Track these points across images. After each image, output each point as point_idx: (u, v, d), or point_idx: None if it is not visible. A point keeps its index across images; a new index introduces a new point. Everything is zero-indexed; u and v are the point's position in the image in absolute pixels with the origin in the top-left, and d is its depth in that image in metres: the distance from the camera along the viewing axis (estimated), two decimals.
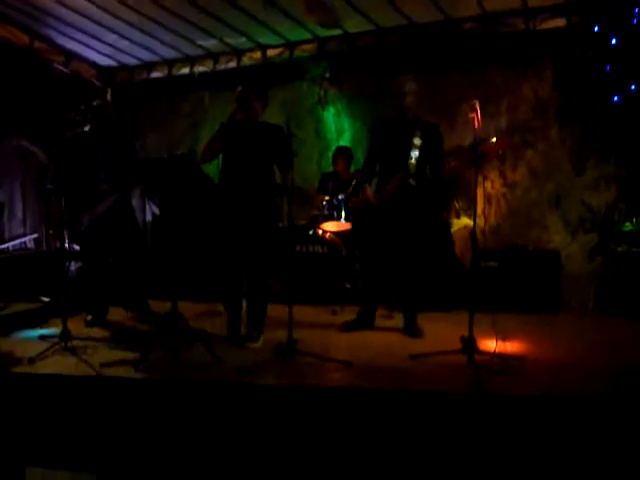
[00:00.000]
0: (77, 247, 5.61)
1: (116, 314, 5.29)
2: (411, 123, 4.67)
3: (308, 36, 6.64)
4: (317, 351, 4.04)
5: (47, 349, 4.10)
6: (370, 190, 4.81)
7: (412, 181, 4.59)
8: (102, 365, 3.88)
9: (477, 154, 4.00)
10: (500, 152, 5.82)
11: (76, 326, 4.62)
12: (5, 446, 3.50)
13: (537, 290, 5.59)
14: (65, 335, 4.21)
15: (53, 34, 6.57)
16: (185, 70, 7.45)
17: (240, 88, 4.39)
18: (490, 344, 3.94)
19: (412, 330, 4.71)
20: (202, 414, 3.41)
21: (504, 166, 6.43)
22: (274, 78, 6.71)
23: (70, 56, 7.12)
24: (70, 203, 4.95)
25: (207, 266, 5.76)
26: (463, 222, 6.37)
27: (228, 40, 6.76)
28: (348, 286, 5.81)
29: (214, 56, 7.23)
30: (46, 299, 5.52)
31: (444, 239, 5.99)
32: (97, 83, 7.70)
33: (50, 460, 3.43)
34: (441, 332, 4.61)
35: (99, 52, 7.17)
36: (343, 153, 6.31)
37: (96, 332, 4.85)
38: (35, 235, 7.38)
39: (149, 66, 7.59)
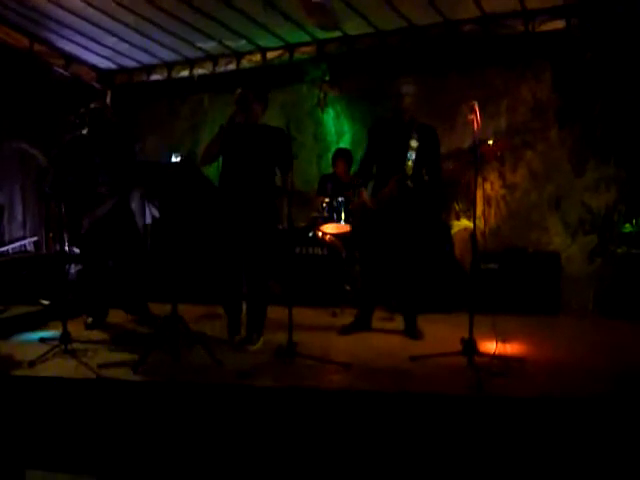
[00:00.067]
0: (77, 250, 5.61)
1: (116, 317, 5.29)
2: (408, 125, 4.68)
3: (308, 38, 6.64)
4: (317, 353, 4.04)
5: (47, 352, 4.10)
6: (366, 194, 4.80)
7: (410, 183, 4.59)
8: (102, 367, 3.88)
9: (476, 156, 4.01)
10: (498, 154, 5.82)
11: (76, 329, 4.62)
12: (5, 449, 3.49)
13: (537, 292, 5.59)
14: (65, 338, 4.21)
15: (53, 37, 6.57)
16: (185, 73, 7.45)
17: (240, 90, 4.39)
18: (490, 346, 3.94)
19: (412, 332, 4.71)
20: (202, 417, 3.41)
21: (504, 168, 6.43)
22: (274, 80, 6.71)
23: (70, 59, 7.12)
24: (70, 206, 4.95)
25: (207, 268, 5.76)
26: (463, 224, 6.36)
27: (228, 42, 6.77)
28: (348, 288, 5.81)
29: (213, 58, 7.22)
30: (46, 302, 5.52)
31: (444, 241, 5.99)
32: (97, 86, 7.70)
33: (50, 463, 3.42)
34: (441, 334, 4.61)
35: (98, 55, 7.17)
36: (343, 155, 6.31)
37: (96, 335, 4.86)
38: (35, 238, 7.38)
39: (149, 69, 7.59)
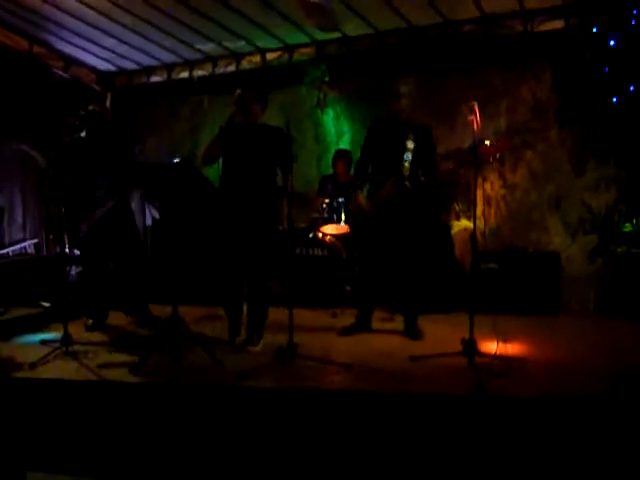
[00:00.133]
0: (77, 252, 5.61)
1: (116, 318, 5.29)
2: (404, 126, 4.69)
3: (307, 39, 6.65)
4: (317, 354, 4.04)
5: (48, 354, 4.11)
6: (362, 196, 4.79)
7: (408, 184, 4.60)
8: (103, 369, 3.89)
9: (476, 156, 4.01)
10: (497, 156, 5.82)
11: (77, 331, 4.63)
12: (6, 451, 3.49)
13: (537, 292, 5.59)
14: (66, 340, 4.22)
15: (52, 39, 6.59)
16: (184, 74, 7.46)
17: (239, 91, 4.40)
18: (491, 346, 3.94)
19: (412, 332, 4.71)
20: (203, 418, 3.41)
21: (504, 168, 6.43)
22: (273, 82, 6.71)
23: (69, 61, 7.13)
24: (69, 209, 4.96)
25: (207, 269, 5.77)
26: (463, 224, 6.36)
27: (227, 44, 6.77)
28: (348, 289, 5.81)
29: (213, 60, 7.24)
30: (46, 304, 5.53)
31: (444, 241, 6.00)
32: (97, 88, 7.71)
33: (51, 465, 3.43)
34: (441, 334, 4.61)
35: (98, 57, 7.18)
36: (343, 156, 6.32)
37: (97, 337, 4.86)
38: (35, 240, 7.39)
39: (148, 70, 7.60)
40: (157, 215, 6.78)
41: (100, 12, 5.88)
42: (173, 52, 7.04)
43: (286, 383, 3.63)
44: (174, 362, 4.00)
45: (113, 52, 7.02)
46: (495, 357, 3.83)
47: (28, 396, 3.68)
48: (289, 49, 6.85)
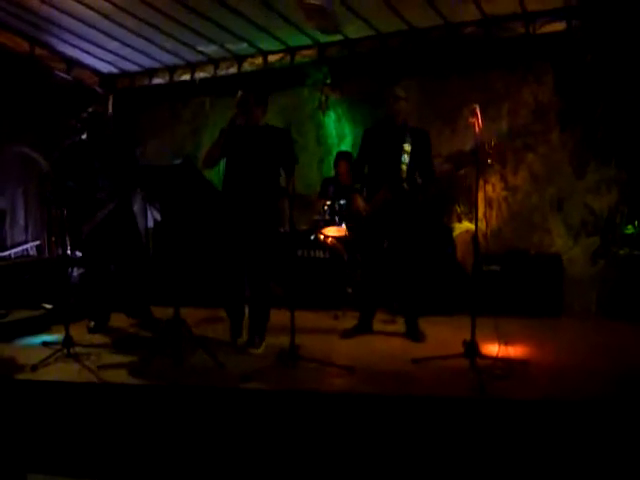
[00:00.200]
0: (79, 254, 5.61)
1: (118, 320, 5.29)
2: (401, 128, 4.70)
3: (309, 42, 6.65)
4: (319, 356, 4.04)
5: (50, 356, 4.11)
6: (360, 199, 4.78)
7: (405, 186, 4.61)
8: (104, 371, 3.89)
9: (478, 158, 4.01)
10: (493, 160, 5.80)
11: (79, 333, 4.64)
12: (7, 453, 3.49)
13: (539, 294, 5.58)
14: (68, 342, 4.22)
15: (54, 41, 6.59)
16: (186, 76, 7.46)
17: (240, 93, 4.41)
18: (492, 348, 3.94)
19: (414, 334, 4.71)
20: (205, 420, 3.41)
21: (505, 170, 6.43)
22: (275, 84, 6.71)
23: (71, 63, 7.14)
24: (71, 211, 4.96)
25: (209, 271, 5.77)
26: (465, 226, 6.36)
27: (229, 46, 6.78)
28: (350, 291, 5.81)
29: (215, 62, 7.24)
30: (48, 306, 5.53)
31: (446, 243, 6.00)
32: (99, 90, 7.72)
33: (52, 467, 3.42)
34: (443, 336, 4.61)
35: (100, 59, 7.19)
36: (344, 158, 6.31)
37: (99, 339, 4.87)
38: (37, 242, 7.40)
39: (150, 72, 7.60)
40: (159, 217, 6.78)
41: (102, 14, 5.88)
42: (175, 54, 7.05)
43: (288, 385, 3.63)
44: (176, 364, 4.00)
45: (115, 54, 7.03)
46: (497, 359, 3.82)
47: (29, 398, 3.69)
48: (291, 51, 6.86)
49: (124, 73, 7.68)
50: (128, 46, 6.77)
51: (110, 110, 7.79)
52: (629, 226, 5.70)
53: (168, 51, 6.94)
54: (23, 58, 6.49)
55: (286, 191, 4.45)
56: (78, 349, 4.26)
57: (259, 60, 7.04)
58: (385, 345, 4.59)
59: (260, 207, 4.39)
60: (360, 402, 3.38)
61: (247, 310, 4.58)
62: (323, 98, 7.21)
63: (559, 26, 5.80)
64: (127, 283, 5.19)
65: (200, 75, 7.38)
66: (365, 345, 4.59)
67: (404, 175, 4.61)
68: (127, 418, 3.49)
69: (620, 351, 4.29)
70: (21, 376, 3.87)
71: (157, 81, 7.64)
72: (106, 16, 5.92)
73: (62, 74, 7.09)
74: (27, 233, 7.35)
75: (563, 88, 6.10)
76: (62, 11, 5.81)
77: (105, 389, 3.71)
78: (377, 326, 4.98)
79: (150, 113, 8.05)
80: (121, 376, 3.84)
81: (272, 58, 6.98)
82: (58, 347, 4.23)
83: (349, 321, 5.08)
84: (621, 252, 5.59)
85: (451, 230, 6.29)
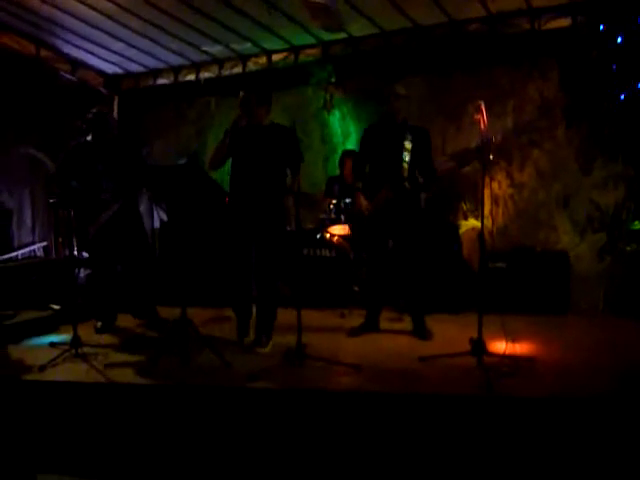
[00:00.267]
0: (86, 254, 5.64)
1: (125, 321, 5.31)
2: (401, 126, 4.69)
3: (313, 40, 6.65)
4: (326, 355, 4.04)
5: (58, 356, 4.13)
6: (362, 199, 4.77)
7: (407, 184, 4.60)
8: (112, 371, 3.90)
9: (484, 156, 4.00)
10: (495, 155, 5.78)
11: (86, 333, 4.65)
12: (17, 453, 3.51)
13: (546, 291, 5.56)
14: (75, 342, 4.24)
15: (59, 43, 6.61)
16: (191, 76, 7.47)
17: (242, 94, 4.41)
18: (499, 346, 3.93)
19: (421, 332, 4.71)
20: (212, 420, 3.42)
21: (511, 167, 6.41)
22: (279, 83, 6.71)
23: (76, 64, 7.16)
24: (78, 212, 4.98)
25: (216, 271, 5.78)
26: (471, 224, 6.35)
27: (233, 46, 6.78)
28: (356, 289, 5.81)
29: (219, 62, 7.25)
30: (56, 307, 5.55)
31: (452, 241, 5.99)
32: (104, 91, 7.74)
33: (61, 466, 3.44)
34: (450, 334, 4.60)
35: (105, 60, 7.20)
36: (350, 156, 6.29)
37: (106, 339, 4.89)
38: (44, 243, 7.42)
39: (155, 73, 7.62)
40: (165, 217, 6.79)
41: (106, 15, 5.89)
42: (180, 54, 7.06)
43: (295, 384, 3.63)
44: (183, 364, 4.01)
45: (120, 55, 7.04)
46: (504, 357, 3.82)
47: (38, 398, 3.70)
48: (295, 50, 6.86)
49: (129, 74, 7.70)
50: (133, 47, 6.78)
51: (115, 111, 7.81)
52: (636, 222, 5.67)
53: (173, 51, 6.95)
54: (29, 60, 6.51)
55: (289, 189, 4.45)
56: (86, 349, 4.28)
57: (263, 60, 7.04)
58: (392, 343, 4.59)
59: (267, 206, 4.40)
60: (367, 400, 3.38)
61: (254, 309, 4.58)
62: (328, 97, 7.20)
63: (564, 22, 5.78)
64: (133, 283, 5.21)
65: (205, 75, 7.39)
66: (372, 343, 4.59)
67: (405, 174, 4.61)
68: (135, 418, 3.51)
69: (627, 348, 4.27)
70: (29, 377, 3.90)
71: (162, 81, 7.65)
72: (110, 17, 5.94)
73: (67, 75, 7.12)
74: (34, 234, 7.38)
75: (569, 84, 6.07)
76: (66, 12, 5.82)
77: (113, 389, 3.72)
78: (384, 324, 4.98)
79: (155, 113, 8.06)
80: (128, 376, 3.86)
81: (276, 57, 6.98)
82: (66, 347, 4.25)
83: (355, 319, 5.08)
84: (628, 248, 5.56)
85: (457, 228, 6.28)
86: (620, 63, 5.56)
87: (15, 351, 4.56)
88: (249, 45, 6.77)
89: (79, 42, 6.60)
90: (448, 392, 3.42)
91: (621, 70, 5.57)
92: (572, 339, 4.63)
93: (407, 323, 4.93)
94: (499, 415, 3.18)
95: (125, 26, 6.17)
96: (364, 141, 4.89)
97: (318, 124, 7.32)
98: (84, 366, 4.06)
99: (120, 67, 7.49)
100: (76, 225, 5.10)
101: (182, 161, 4.25)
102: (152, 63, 7.36)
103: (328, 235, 5.92)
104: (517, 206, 6.42)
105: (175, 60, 7.26)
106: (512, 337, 3.94)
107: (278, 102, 5.04)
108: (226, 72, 7.27)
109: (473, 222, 6.35)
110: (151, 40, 6.57)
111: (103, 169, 4.91)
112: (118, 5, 5.67)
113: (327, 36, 6.45)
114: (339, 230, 5.83)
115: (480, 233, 4.24)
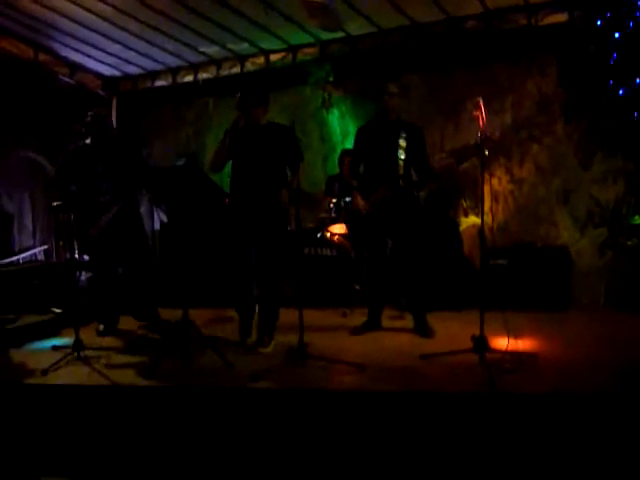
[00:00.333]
0: (87, 258, 5.64)
1: (127, 323, 5.31)
2: (395, 124, 4.70)
3: (310, 39, 6.65)
4: (328, 354, 4.04)
5: (60, 359, 4.13)
6: (360, 198, 4.77)
7: (401, 182, 4.60)
8: (114, 373, 3.90)
9: (484, 152, 4.00)
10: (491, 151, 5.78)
11: (88, 336, 4.65)
12: (20, 456, 3.51)
13: (547, 287, 5.55)
14: (77, 345, 4.24)
15: (57, 46, 6.62)
16: (189, 77, 7.47)
17: (239, 94, 4.41)
18: (501, 343, 3.92)
19: (423, 330, 4.70)
20: (215, 421, 3.41)
21: (510, 163, 6.41)
22: (277, 83, 6.71)
23: (74, 67, 7.16)
24: (78, 215, 4.98)
25: (218, 272, 5.78)
26: (471, 220, 6.35)
27: (230, 46, 6.79)
28: (357, 288, 5.81)
29: (217, 62, 7.25)
30: (57, 310, 5.55)
31: (452, 238, 5.98)
32: (102, 93, 7.74)
33: (64, 469, 3.44)
34: (452, 331, 4.60)
35: (103, 62, 7.21)
36: (349, 155, 6.30)
37: (108, 341, 4.88)
38: (45, 246, 7.43)
39: (153, 75, 7.62)
40: (165, 219, 6.80)
41: (103, 18, 5.90)
42: (177, 56, 7.06)
43: (297, 384, 3.63)
44: (185, 365, 4.01)
45: (117, 57, 7.04)
46: (506, 353, 3.81)
47: (40, 402, 3.70)
48: (293, 50, 6.85)
49: (127, 76, 7.70)
50: (130, 49, 6.79)
51: (114, 113, 7.81)
52: (636, 216, 5.67)
53: (170, 53, 6.95)
54: (28, 64, 6.53)
55: (288, 186, 4.44)
56: (88, 352, 4.28)
57: (261, 60, 7.04)
58: (394, 341, 4.59)
59: (267, 206, 4.39)
60: (370, 400, 3.37)
61: (257, 309, 4.59)
62: (326, 96, 7.21)
63: (561, 17, 5.78)
64: (135, 286, 5.20)
65: (203, 76, 7.39)
66: (374, 342, 4.58)
67: (401, 171, 4.61)
68: (138, 420, 3.50)
69: (629, 343, 4.27)
70: (31, 380, 3.90)
71: (160, 83, 7.65)
72: (107, 19, 5.95)
73: (65, 78, 7.12)
74: (35, 238, 7.39)
75: (567, 79, 6.07)
76: (65, 16, 5.83)
77: (115, 391, 3.72)
78: (385, 322, 4.98)
79: (154, 115, 8.07)
80: (131, 378, 3.86)
81: (274, 57, 6.98)
82: (68, 351, 4.24)
83: (357, 318, 5.08)
84: (629, 243, 5.56)
85: (457, 225, 6.27)
86: (618, 57, 5.55)
87: (17, 355, 4.56)
88: (246, 45, 6.77)
89: (77, 45, 6.61)
90: (451, 390, 3.41)
91: (619, 64, 5.56)
92: (574, 335, 4.62)
93: (409, 321, 4.92)
94: (502, 412, 3.18)
95: (122, 28, 6.17)
96: (358, 140, 4.89)
97: (317, 123, 7.32)
98: (86, 369, 4.06)
99: (118, 69, 7.49)
100: (77, 228, 5.10)
101: (181, 162, 4.25)
102: (150, 65, 7.36)
103: (329, 234, 5.92)
104: (517, 202, 6.42)
105: (173, 61, 7.26)
106: (514, 334, 3.94)
107: (276, 102, 5.05)
108: (224, 73, 7.27)
109: (473, 219, 6.35)
110: (148, 42, 6.57)
111: (102, 171, 4.91)
112: (114, 7, 5.68)
113: (325, 35, 6.45)
114: (340, 229, 5.83)
115: (481, 230, 4.24)
